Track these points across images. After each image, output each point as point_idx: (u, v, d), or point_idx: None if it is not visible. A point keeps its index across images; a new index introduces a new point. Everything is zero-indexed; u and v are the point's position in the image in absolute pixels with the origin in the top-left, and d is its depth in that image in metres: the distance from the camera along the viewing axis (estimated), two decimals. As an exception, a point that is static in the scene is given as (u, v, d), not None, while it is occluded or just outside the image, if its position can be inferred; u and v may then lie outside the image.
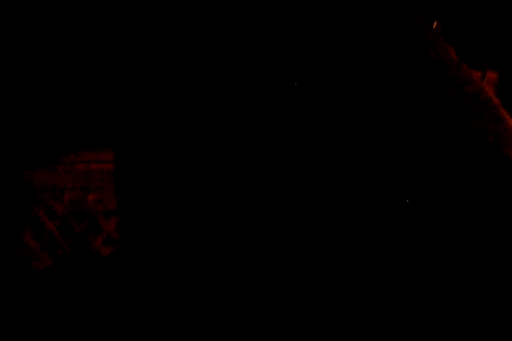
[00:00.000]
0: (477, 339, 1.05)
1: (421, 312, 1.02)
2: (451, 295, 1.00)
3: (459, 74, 1.02)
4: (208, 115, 0.96)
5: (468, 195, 0.90)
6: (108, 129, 3.47)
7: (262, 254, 0.94)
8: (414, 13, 1.05)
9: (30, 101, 3.36)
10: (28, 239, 3.13)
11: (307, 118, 0.90)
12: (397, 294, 0.97)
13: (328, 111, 0.88)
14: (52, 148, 3.33)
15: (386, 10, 1.01)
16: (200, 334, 1.24)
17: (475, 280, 1.01)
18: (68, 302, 3.07)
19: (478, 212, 0.90)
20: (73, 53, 3.25)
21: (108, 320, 2.32)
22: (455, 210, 0.90)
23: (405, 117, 0.91)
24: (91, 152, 3.29)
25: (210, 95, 0.97)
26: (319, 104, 0.90)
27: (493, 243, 0.96)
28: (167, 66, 1.10)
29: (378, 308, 1.05)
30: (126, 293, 2.06)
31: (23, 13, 3.18)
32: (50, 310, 3.02)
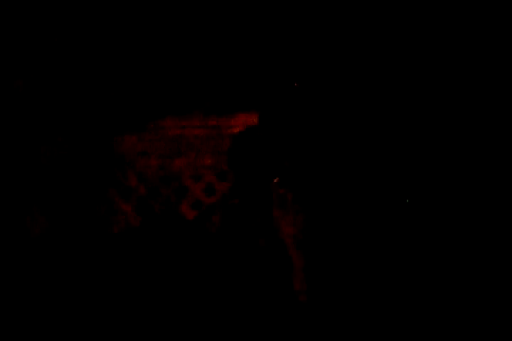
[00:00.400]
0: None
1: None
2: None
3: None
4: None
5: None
6: (195, 95, 3.56)
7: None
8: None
9: (120, 68, 3.46)
10: (118, 201, 3.26)
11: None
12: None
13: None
14: (141, 114, 3.43)
15: None
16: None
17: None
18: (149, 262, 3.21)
19: None
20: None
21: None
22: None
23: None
24: (179, 118, 3.39)
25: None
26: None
27: None
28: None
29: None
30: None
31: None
32: (136, 267, 3.16)
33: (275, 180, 3.03)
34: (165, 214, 3.35)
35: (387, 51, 3.34)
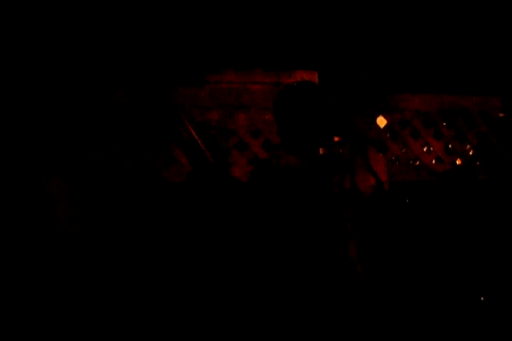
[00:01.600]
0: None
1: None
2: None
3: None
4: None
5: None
6: (256, 51, 3.54)
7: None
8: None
9: (184, 21, 3.45)
10: (177, 153, 3.29)
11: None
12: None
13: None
14: (202, 67, 3.43)
15: None
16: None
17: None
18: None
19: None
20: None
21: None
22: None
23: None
24: (240, 72, 3.38)
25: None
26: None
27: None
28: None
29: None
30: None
31: None
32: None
33: (336, 139, 3.02)
34: (223, 168, 3.38)
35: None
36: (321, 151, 3.55)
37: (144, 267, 3.02)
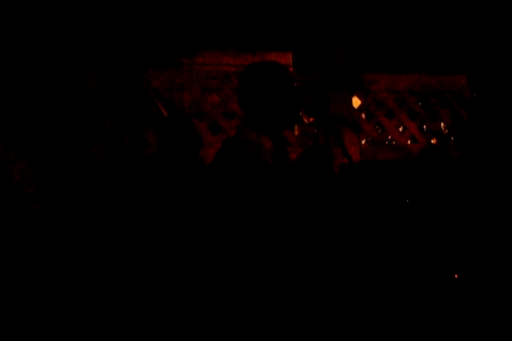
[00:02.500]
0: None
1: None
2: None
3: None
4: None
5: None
6: (227, 33, 3.51)
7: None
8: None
9: (152, 4, 3.41)
10: (149, 135, 3.26)
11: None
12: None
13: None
14: (174, 49, 3.40)
15: None
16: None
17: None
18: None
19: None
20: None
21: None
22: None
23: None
24: (214, 55, 3.36)
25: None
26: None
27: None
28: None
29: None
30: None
31: None
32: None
33: (310, 120, 3.02)
34: (196, 150, 3.36)
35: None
36: (296, 132, 3.56)
37: (106, 253, 3.01)
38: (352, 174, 2.81)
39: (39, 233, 2.92)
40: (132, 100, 3.29)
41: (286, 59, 3.45)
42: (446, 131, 3.65)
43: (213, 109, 3.32)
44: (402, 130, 3.56)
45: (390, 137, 3.49)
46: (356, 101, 3.50)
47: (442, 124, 3.64)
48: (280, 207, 2.26)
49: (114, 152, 3.22)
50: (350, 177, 2.82)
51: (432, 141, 3.62)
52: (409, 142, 3.53)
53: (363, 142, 3.49)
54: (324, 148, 2.75)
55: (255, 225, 2.20)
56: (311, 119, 2.76)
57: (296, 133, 3.48)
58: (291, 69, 3.48)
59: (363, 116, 3.52)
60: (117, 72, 3.25)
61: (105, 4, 3.31)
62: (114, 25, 3.34)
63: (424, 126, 3.62)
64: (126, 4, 3.36)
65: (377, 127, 3.53)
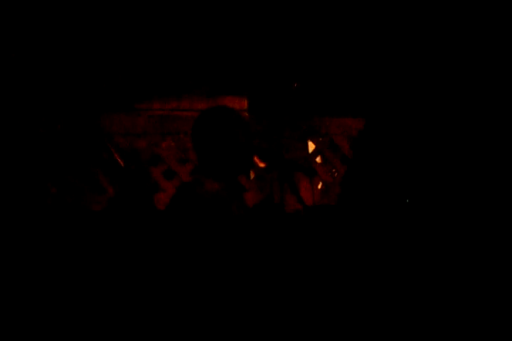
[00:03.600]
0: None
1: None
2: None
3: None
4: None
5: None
6: (184, 78, 3.53)
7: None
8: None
9: (109, 48, 3.42)
10: (103, 181, 3.23)
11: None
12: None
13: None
14: (129, 95, 3.40)
15: None
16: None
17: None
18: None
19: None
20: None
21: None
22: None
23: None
24: (168, 100, 3.37)
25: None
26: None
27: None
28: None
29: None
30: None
31: None
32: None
33: (263, 165, 3.03)
34: (149, 196, 3.34)
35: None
36: (252, 175, 3.56)
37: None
38: (305, 219, 2.82)
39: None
40: (87, 146, 3.27)
41: (242, 103, 3.48)
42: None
43: (168, 155, 3.31)
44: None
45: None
46: (311, 145, 3.53)
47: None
48: (233, 250, 2.24)
49: (69, 198, 3.18)
50: (302, 222, 2.82)
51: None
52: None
53: (319, 186, 3.51)
54: (278, 195, 2.75)
55: (208, 268, 2.17)
56: (264, 165, 2.77)
57: (251, 177, 3.48)
58: (246, 113, 3.50)
59: (318, 160, 3.54)
60: (72, 117, 3.24)
61: (65, 48, 3.31)
62: (71, 69, 3.33)
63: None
64: (85, 49, 3.36)
65: (334, 170, 3.56)
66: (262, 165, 2.90)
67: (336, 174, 3.54)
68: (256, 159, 2.51)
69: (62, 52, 3.27)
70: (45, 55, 3.23)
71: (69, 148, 3.20)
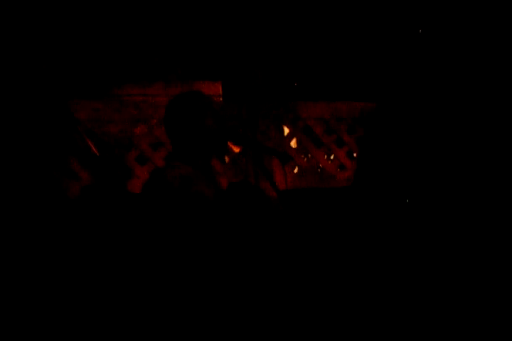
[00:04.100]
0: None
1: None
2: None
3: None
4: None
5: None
6: (158, 63, 3.50)
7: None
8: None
9: (81, 33, 3.37)
10: (75, 166, 3.20)
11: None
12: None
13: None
14: (102, 80, 3.36)
15: None
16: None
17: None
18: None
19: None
20: None
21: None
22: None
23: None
24: (141, 85, 3.33)
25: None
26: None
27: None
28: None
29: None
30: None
31: None
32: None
33: (237, 149, 3.01)
34: (122, 182, 3.31)
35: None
36: (226, 160, 3.55)
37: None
38: (279, 204, 2.80)
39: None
40: (59, 132, 3.23)
41: (216, 88, 3.45)
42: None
43: (141, 140, 3.28)
44: (331, 158, 3.59)
45: (321, 165, 3.52)
46: (286, 130, 3.52)
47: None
48: (208, 234, 2.23)
49: (41, 184, 3.15)
50: (277, 206, 2.81)
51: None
52: (338, 170, 3.56)
53: (295, 170, 3.50)
54: (253, 179, 2.74)
55: (184, 254, 2.17)
56: (238, 149, 2.75)
57: (226, 162, 3.47)
58: (220, 98, 3.48)
59: (293, 144, 3.54)
60: (44, 102, 3.20)
61: (40, 35, 3.26)
62: (42, 56, 3.29)
63: (355, 154, 3.65)
64: (59, 33, 3.31)
65: (310, 156, 3.55)
66: (236, 149, 2.88)
67: (305, 159, 3.54)
68: (230, 144, 2.50)
69: (30, 37, 3.22)
70: (13, 38, 3.18)
71: (40, 134, 3.16)
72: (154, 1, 3.46)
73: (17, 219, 3.05)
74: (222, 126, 2.37)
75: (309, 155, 3.56)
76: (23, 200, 3.12)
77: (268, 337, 2.17)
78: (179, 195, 2.22)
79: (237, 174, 3.30)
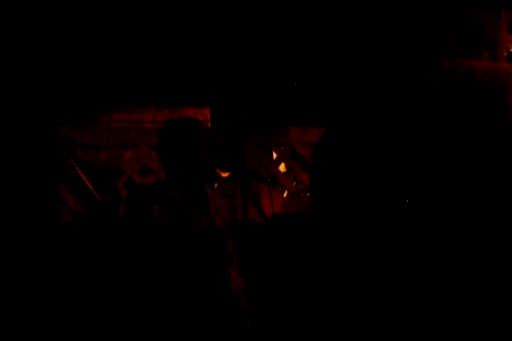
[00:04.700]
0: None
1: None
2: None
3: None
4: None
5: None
6: (146, 90, 3.53)
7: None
8: None
9: (68, 58, 3.40)
10: (65, 195, 3.21)
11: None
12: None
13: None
14: (91, 107, 3.38)
15: None
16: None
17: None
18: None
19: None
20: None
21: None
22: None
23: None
24: (131, 112, 3.36)
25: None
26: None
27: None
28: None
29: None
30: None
31: None
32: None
33: (225, 175, 3.03)
34: (112, 208, 3.32)
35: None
36: (215, 186, 3.56)
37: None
38: (265, 229, 2.82)
39: None
40: (47, 159, 3.24)
41: (204, 114, 3.48)
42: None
43: (129, 167, 3.29)
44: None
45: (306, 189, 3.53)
46: (275, 155, 3.54)
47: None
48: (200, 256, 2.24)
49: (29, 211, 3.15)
50: (264, 231, 2.82)
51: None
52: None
53: (284, 194, 3.52)
54: (241, 205, 2.75)
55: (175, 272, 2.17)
56: (226, 175, 2.76)
57: (215, 187, 3.48)
58: (208, 124, 3.51)
59: (281, 168, 3.56)
60: (31, 130, 3.21)
61: (27, 59, 3.29)
62: (27, 82, 3.31)
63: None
64: (49, 61, 3.34)
65: (299, 179, 3.57)
66: (224, 175, 2.89)
67: (294, 183, 3.56)
68: (218, 170, 2.52)
69: (16, 61, 3.24)
70: None
71: (29, 162, 3.17)
72: (144, 29, 3.50)
73: (6, 245, 3.05)
74: (214, 154, 2.39)
75: (298, 178, 3.58)
76: (13, 226, 3.12)
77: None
78: (168, 220, 2.23)
79: (224, 198, 3.31)
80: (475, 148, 1.07)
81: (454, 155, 1.10)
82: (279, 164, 3.51)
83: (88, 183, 3.21)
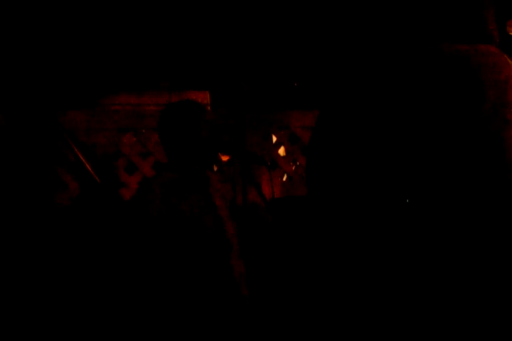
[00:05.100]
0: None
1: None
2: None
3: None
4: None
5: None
6: (146, 73, 3.52)
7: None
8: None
9: (70, 43, 3.39)
10: (65, 178, 3.22)
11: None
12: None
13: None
14: (91, 90, 3.38)
15: None
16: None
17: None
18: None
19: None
20: None
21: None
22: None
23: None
24: (131, 95, 3.36)
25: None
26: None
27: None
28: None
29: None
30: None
31: None
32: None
33: (225, 158, 3.03)
34: (112, 191, 3.32)
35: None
36: (214, 168, 3.57)
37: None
38: (265, 213, 2.83)
39: None
40: (47, 142, 3.24)
41: (204, 98, 3.48)
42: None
43: (129, 150, 3.30)
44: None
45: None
46: (273, 138, 3.55)
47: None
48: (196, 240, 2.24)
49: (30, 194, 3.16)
50: (264, 215, 2.83)
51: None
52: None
53: (284, 178, 3.53)
54: (240, 187, 2.75)
55: (172, 259, 2.18)
56: (226, 158, 2.76)
57: (214, 170, 3.49)
58: (208, 107, 3.51)
59: (281, 152, 3.56)
60: (31, 113, 3.21)
61: (27, 44, 3.28)
62: (29, 65, 3.30)
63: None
64: (48, 44, 3.33)
65: (298, 163, 3.58)
66: (224, 158, 2.90)
67: (294, 166, 3.56)
68: (219, 153, 2.53)
69: (19, 46, 3.24)
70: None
71: (29, 146, 3.17)
72: (144, 14, 3.49)
73: (7, 229, 3.06)
74: (214, 135, 2.39)
75: (298, 162, 3.59)
76: (14, 211, 3.13)
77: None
78: (166, 203, 2.24)
79: (224, 181, 3.32)
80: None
81: (443, 128, 1.16)
82: (279, 148, 3.51)
83: (88, 166, 3.21)
